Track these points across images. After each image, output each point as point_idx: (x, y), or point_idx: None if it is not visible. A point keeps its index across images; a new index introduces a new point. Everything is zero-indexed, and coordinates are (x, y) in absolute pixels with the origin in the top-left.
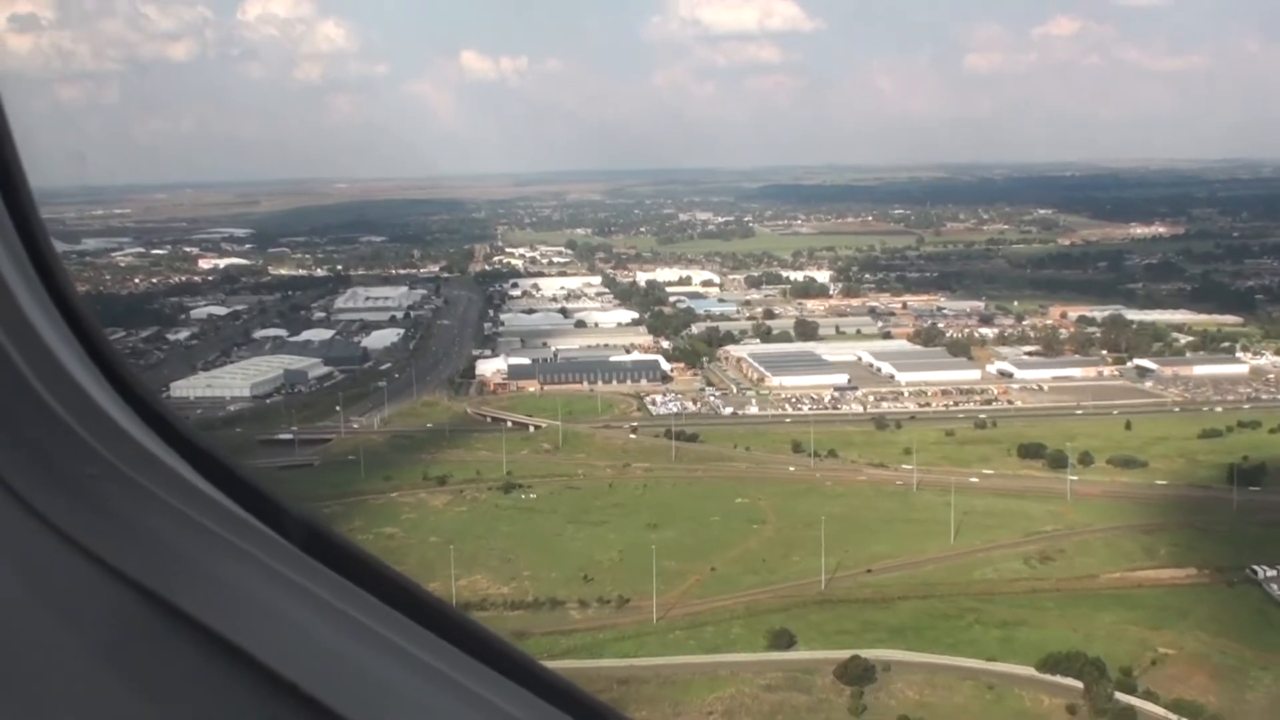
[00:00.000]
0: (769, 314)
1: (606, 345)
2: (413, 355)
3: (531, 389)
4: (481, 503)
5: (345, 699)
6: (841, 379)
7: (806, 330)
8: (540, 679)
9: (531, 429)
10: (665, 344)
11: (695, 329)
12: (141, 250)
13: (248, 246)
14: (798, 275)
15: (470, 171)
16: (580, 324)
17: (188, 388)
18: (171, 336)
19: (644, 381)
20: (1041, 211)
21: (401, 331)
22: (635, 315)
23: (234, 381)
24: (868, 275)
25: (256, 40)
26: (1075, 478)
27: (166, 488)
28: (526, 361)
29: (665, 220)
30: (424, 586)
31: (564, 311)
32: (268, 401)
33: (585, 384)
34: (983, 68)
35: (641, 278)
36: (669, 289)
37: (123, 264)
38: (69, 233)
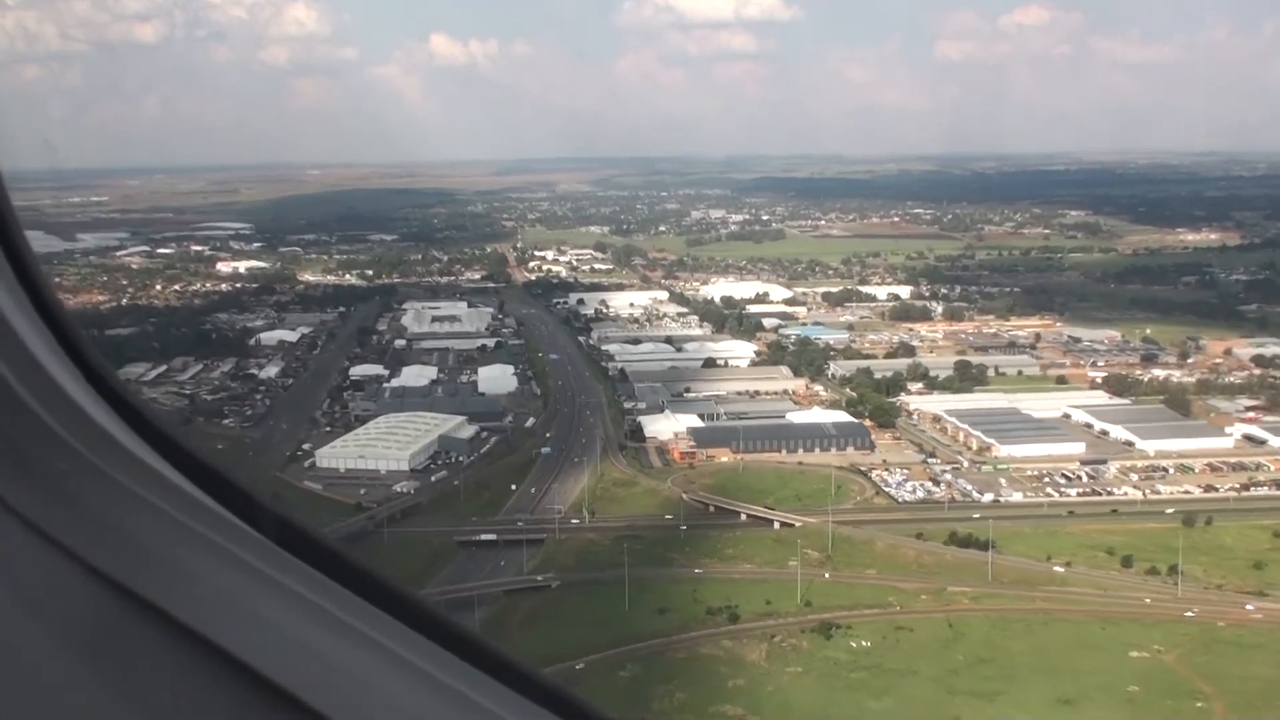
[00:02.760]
0: (907, 348)
1: (758, 393)
2: (544, 405)
3: (724, 459)
4: (810, 657)
5: (319, 692)
6: (1077, 448)
7: (968, 373)
8: (517, 673)
9: (776, 525)
10: (819, 389)
11: (837, 367)
12: (146, 249)
13: (256, 245)
14: (875, 291)
15: (445, 159)
16: (710, 363)
17: (337, 458)
18: (260, 373)
19: (850, 449)
20: (1075, 214)
21: (511, 370)
22: (755, 348)
23: (388, 451)
24: (944, 290)
25: (224, 22)
26: None
27: (139, 481)
28: (707, 424)
29: (674, 216)
30: (397, 580)
31: (670, 341)
32: (433, 480)
33: (783, 452)
34: (955, 56)
35: (709, 291)
36: (750, 308)
37: (135, 266)
38: (57, 225)
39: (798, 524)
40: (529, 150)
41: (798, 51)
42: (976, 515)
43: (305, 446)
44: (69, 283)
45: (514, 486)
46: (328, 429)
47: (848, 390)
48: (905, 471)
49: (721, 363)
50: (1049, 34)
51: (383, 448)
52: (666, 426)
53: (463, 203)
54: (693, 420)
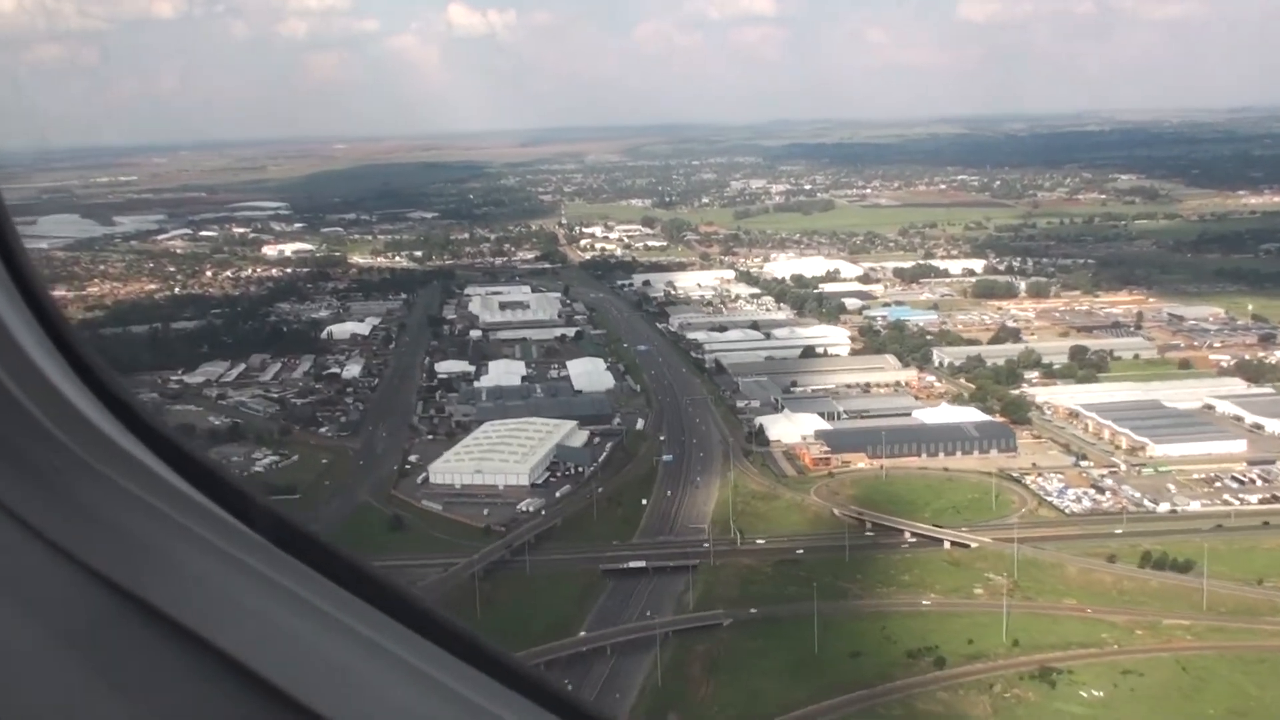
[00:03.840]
0: (1010, 331)
1: (869, 386)
2: (648, 403)
3: (860, 465)
4: (1041, 711)
5: (315, 692)
6: (1238, 446)
7: (1085, 360)
8: (511, 671)
9: (946, 544)
10: (932, 380)
11: (942, 354)
12: (188, 232)
13: (297, 226)
14: (945, 264)
15: (469, 130)
16: (809, 352)
17: (452, 473)
18: (343, 373)
19: (993, 452)
20: (1125, 178)
21: (602, 364)
22: (849, 334)
23: (505, 464)
24: (1016, 263)
25: None
26: None
27: (132, 479)
28: (834, 425)
29: (713, 187)
30: (391, 577)
31: (756, 326)
32: (558, 496)
33: (923, 455)
34: (978, 17)
35: (773, 269)
36: (824, 287)
37: (180, 251)
38: (91, 207)
39: (973, 544)
40: (552, 119)
41: (818, 14)
42: (1160, 529)
43: (412, 458)
44: (114, 270)
45: (644, 501)
46: (429, 437)
47: (961, 380)
48: (1061, 477)
49: (820, 351)
50: None
51: (499, 460)
52: (789, 428)
53: (494, 176)
54: (814, 420)
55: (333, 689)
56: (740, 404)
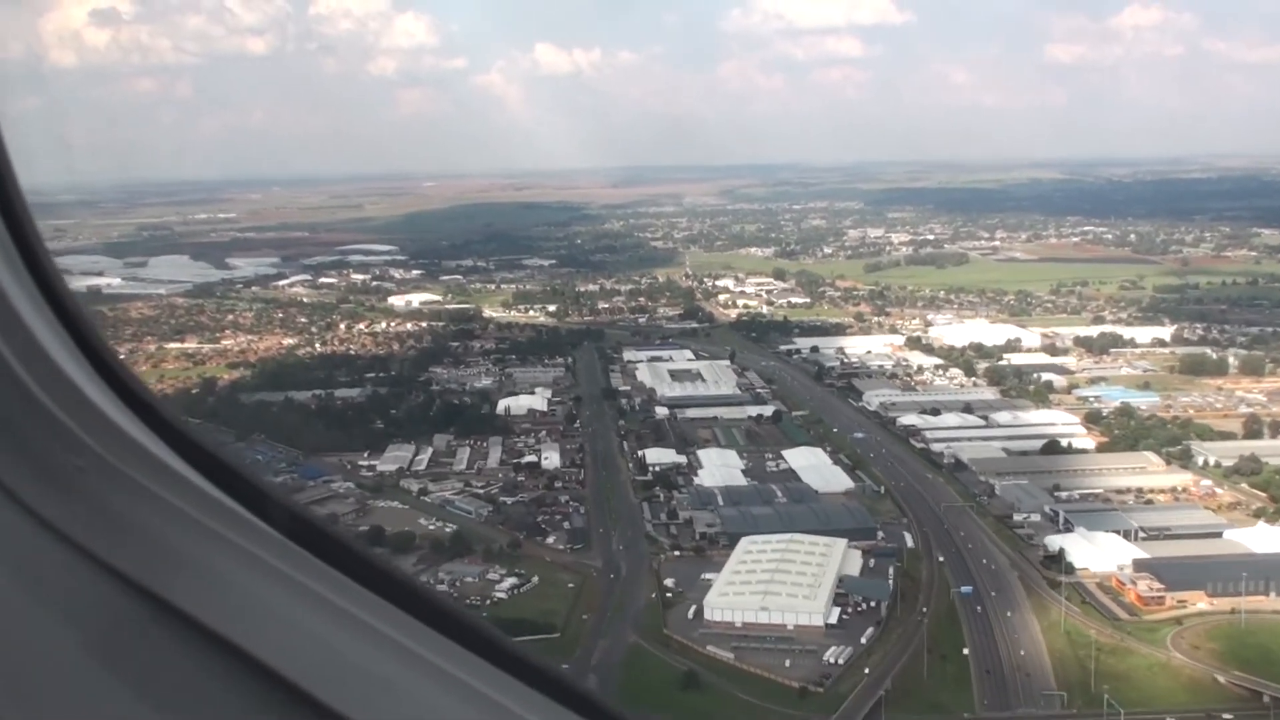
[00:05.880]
0: (1256, 421)
1: (1144, 493)
2: (900, 511)
3: (1200, 604)
4: None
5: (333, 689)
6: None
7: None
8: (530, 668)
9: None
10: (1212, 485)
11: (1203, 452)
12: (308, 278)
13: (416, 273)
14: (1126, 332)
15: (556, 168)
16: (1053, 446)
17: (731, 608)
18: (542, 462)
19: None
20: (1270, 232)
21: (824, 455)
22: (1068, 419)
23: (794, 600)
24: (1201, 331)
25: (334, 34)
26: None
27: (154, 478)
28: (1152, 555)
29: (830, 235)
30: (410, 574)
31: (969, 408)
32: (863, 642)
33: (1271, 595)
34: (1065, 59)
35: (941, 334)
36: (1008, 357)
37: (306, 300)
38: (200, 247)
39: None
40: (638, 159)
41: (901, 55)
42: None
43: (668, 582)
44: (245, 321)
45: (964, 651)
46: (675, 553)
47: (1243, 486)
48: None
49: (1065, 444)
50: (1161, 35)
51: (786, 595)
52: (1094, 553)
53: (595, 219)
54: (1118, 542)
55: (353, 686)
56: (1017, 517)
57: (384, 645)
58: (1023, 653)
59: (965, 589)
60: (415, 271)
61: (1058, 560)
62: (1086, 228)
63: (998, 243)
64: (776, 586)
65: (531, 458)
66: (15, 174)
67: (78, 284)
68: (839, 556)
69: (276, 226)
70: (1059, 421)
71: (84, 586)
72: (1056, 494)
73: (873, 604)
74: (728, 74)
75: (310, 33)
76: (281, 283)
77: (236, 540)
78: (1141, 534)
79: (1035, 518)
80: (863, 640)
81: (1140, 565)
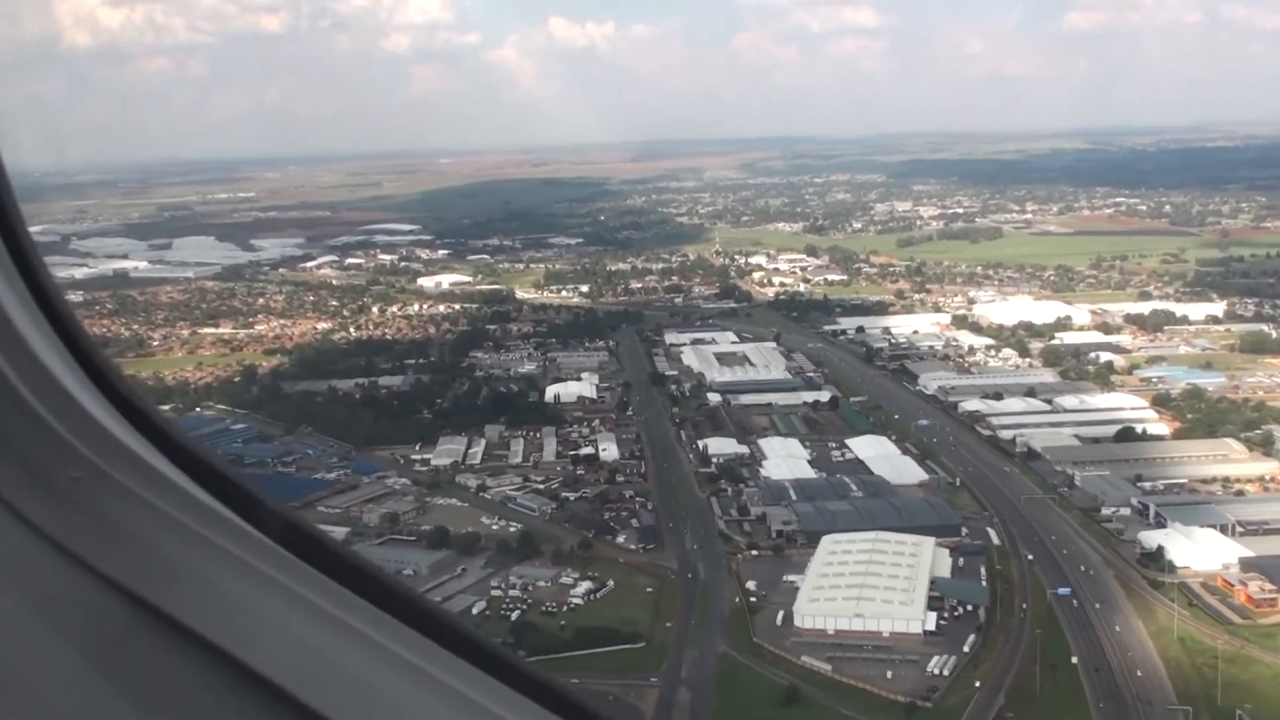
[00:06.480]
0: None
1: (1233, 482)
2: (979, 505)
3: None
4: None
5: (326, 696)
6: None
7: None
8: (520, 674)
9: None
10: None
11: None
12: (335, 259)
13: (443, 253)
14: (1177, 308)
15: (572, 142)
16: (1127, 432)
17: (822, 615)
18: (600, 454)
19: None
20: None
21: (890, 444)
22: (1137, 402)
23: (889, 606)
24: (1251, 305)
25: (348, 11)
26: None
27: (149, 487)
28: (1257, 554)
29: (858, 210)
30: (403, 582)
31: (1033, 392)
32: (966, 650)
33: None
34: (1085, 26)
35: (987, 311)
36: (1060, 336)
37: (335, 282)
38: (223, 228)
39: None
40: (654, 132)
41: (917, 25)
42: None
43: (749, 585)
44: (276, 304)
45: (1073, 659)
46: (753, 552)
47: None
48: None
49: (1139, 430)
50: (1181, 2)
51: (881, 600)
52: (1194, 551)
53: (617, 194)
54: (1218, 539)
55: (349, 695)
56: (1105, 511)
57: (376, 652)
58: (1135, 663)
59: (1063, 590)
60: (441, 251)
61: (1156, 558)
62: (1118, 199)
63: (1029, 215)
64: (869, 590)
65: (588, 449)
66: (10, 183)
67: (104, 267)
68: (929, 556)
69: (297, 206)
70: (1127, 405)
71: (80, 595)
72: (1139, 484)
73: (969, 608)
74: (743, 46)
75: (324, 9)
76: (309, 264)
77: (231, 548)
78: (1239, 528)
79: (1124, 511)
80: (965, 648)
81: (1247, 564)
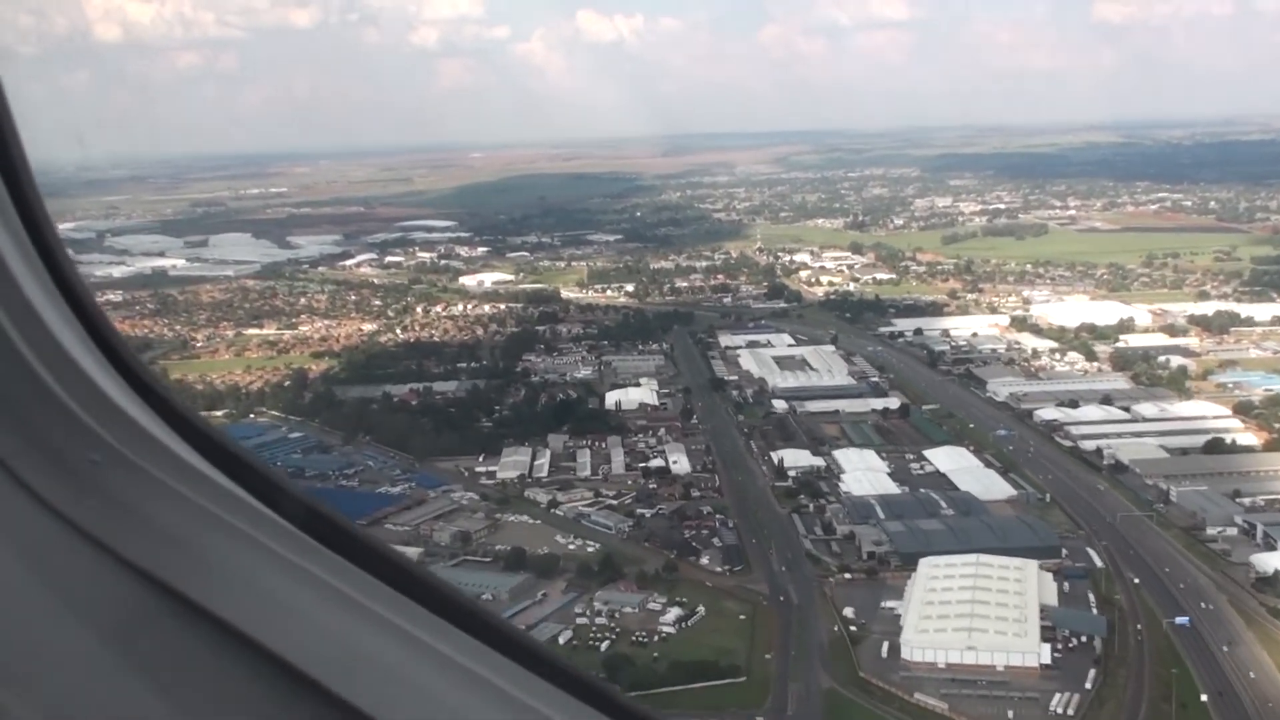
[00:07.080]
0: None
1: None
2: (1073, 523)
3: None
4: None
5: (347, 682)
6: None
7: None
8: (541, 660)
9: None
10: None
11: None
12: (374, 257)
13: (482, 250)
14: (1243, 310)
15: (602, 136)
16: (1214, 445)
17: (933, 647)
18: (672, 466)
19: None
20: None
21: (970, 456)
22: (1219, 410)
23: (1002, 637)
24: None
25: (377, 6)
26: None
27: (169, 472)
28: None
29: (898, 205)
30: (423, 567)
31: (1109, 399)
32: (1088, 688)
33: None
34: (1115, 19)
35: (1045, 312)
36: (1125, 338)
37: (376, 281)
38: (258, 225)
39: None
40: (684, 126)
41: (945, 17)
42: None
43: (847, 612)
44: (319, 304)
45: (1203, 697)
46: (846, 575)
47: None
48: None
49: (1229, 441)
50: None
51: (994, 632)
52: None
53: (651, 189)
54: None
55: (371, 682)
56: (1210, 531)
57: (399, 638)
58: (1267, 698)
59: (1181, 619)
60: (481, 249)
61: (1273, 582)
62: (1160, 194)
63: (1073, 211)
64: (979, 620)
65: (658, 461)
66: (30, 170)
67: (142, 265)
68: (1034, 581)
69: (331, 201)
70: (1209, 414)
71: (100, 580)
72: (1238, 500)
73: (1083, 639)
74: (771, 39)
75: (352, 4)
76: (348, 262)
77: (251, 533)
78: None
79: (1230, 531)
80: (1087, 684)
81: None
